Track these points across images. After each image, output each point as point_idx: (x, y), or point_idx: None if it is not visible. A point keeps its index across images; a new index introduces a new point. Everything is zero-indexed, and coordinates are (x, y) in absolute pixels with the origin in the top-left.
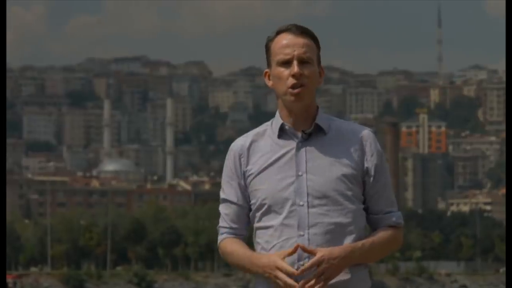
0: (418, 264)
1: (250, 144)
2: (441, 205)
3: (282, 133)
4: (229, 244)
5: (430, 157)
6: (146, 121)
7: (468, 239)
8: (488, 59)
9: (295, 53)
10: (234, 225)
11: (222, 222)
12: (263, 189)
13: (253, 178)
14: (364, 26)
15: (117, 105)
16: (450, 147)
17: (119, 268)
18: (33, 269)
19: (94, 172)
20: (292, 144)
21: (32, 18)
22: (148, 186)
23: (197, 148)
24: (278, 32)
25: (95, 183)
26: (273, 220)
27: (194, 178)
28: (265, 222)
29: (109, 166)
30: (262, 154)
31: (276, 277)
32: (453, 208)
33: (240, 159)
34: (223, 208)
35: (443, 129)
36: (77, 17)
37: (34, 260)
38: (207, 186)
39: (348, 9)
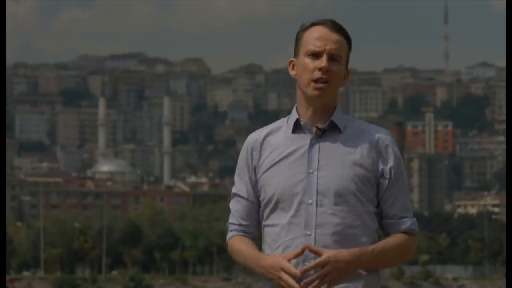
0: (424, 268)
1: (264, 139)
2: (447, 207)
3: (297, 128)
4: (236, 242)
5: (437, 158)
6: (142, 120)
7: (475, 243)
8: (496, 56)
9: (327, 47)
10: (243, 222)
11: (231, 219)
12: (272, 185)
13: (263, 172)
14: (368, 22)
15: (113, 103)
16: (457, 147)
17: (114, 272)
18: (25, 273)
19: (89, 173)
20: (306, 140)
21: (23, 12)
22: (145, 187)
23: (195, 148)
24: (313, 24)
25: (89, 185)
26: (281, 218)
27: (192, 179)
28: (272, 219)
29: (104, 166)
30: (274, 149)
31: (280, 278)
32: (460, 210)
33: (252, 153)
34: (233, 204)
35: (450, 128)
36: (70, 11)
37: (27, 264)
38: (205, 188)
39: (352, 5)
